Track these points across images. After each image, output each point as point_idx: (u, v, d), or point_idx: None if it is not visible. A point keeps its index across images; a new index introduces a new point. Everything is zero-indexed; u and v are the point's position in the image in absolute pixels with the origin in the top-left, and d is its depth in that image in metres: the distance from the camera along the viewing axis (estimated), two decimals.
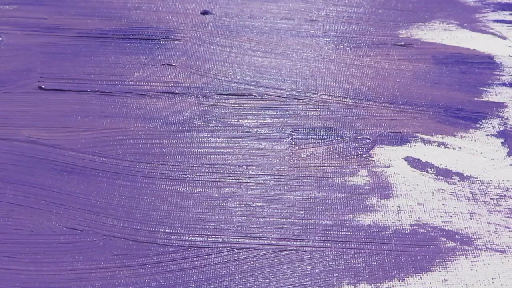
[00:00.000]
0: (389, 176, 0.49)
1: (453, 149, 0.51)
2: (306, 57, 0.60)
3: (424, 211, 0.46)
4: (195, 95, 0.56)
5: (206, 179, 0.48)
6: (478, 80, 0.58)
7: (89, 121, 0.53)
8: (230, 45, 0.62)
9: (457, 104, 0.55)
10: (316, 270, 0.42)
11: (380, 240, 0.44)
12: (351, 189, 0.48)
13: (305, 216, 0.46)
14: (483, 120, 0.54)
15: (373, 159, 0.50)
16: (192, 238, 0.44)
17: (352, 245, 0.44)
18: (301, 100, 0.55)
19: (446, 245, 0.44)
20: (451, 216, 0.46)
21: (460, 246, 0.44)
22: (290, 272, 0.42)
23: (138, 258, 0.43)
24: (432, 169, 0.50)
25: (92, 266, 0.42)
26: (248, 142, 0.51)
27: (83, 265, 0.42)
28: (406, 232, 0.45)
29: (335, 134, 0.52)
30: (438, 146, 0.52)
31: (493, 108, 0.55)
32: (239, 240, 0.44)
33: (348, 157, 0.50)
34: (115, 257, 0.43)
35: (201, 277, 0.42)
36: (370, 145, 0.51)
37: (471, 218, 0.46)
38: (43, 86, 0.56)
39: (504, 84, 0.58)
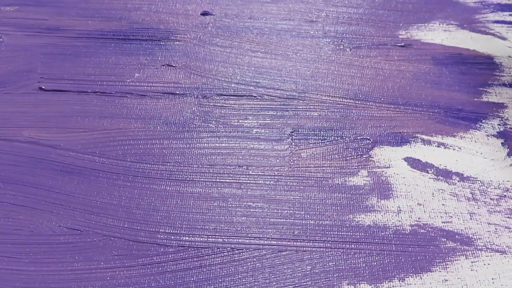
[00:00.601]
0: (389, 176, 0.49)
1: (453, 149, 0.51)
2: (306, 58, 0.60)
3: (424, 212, 0.46)
4: (195, 96, 0.56)
5: (206, 180, 0.48)
6: (478, 80, 0.58)
7: (89, 121, 0.53)
8: (230, 45, 0.62)
9: (457, 104, 0.55)
10: (316, 271, 0.42)
11: (380, 240, 0.44)
12: (351, 190, 0.48)
13: (305, 216, 0.46)
14: (483, 121, 0.54)
15: (373, 159, 0.50)
16: (192, 239, 0.44)
17: (352, 246, 0.44)
18: (301, 101, 0.55)
19: (446, 245, 0.44)
20: (451, 217, 0.46)
21: (460, 247, 0.44)
22: (290, 273, 0.42)
23: (138, 258, 0.43)
24: (432, 170, 0.50)
25: (92, 266, 0.42)
26: (248, 142, 0.52)
27: (83, 265, 0.42)
28: (406, 232, 0.45)
29: (335, 135, 0.52)
30: (438, 146, 0.52)
31: (493, 108, 0.55)
32: (239, 241, 0.44)
33: (348, 158, 0.50)
34: (115, 257, 0.43)
35: (201, 277, 0.42)
36: (370, 146, 0.51)
37: (471, 219, 0.46)
38: (43, 87, 0.56)
39: (504, 85, 0.58)
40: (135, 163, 0.49)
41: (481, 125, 0.54)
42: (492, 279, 0.42)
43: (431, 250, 0.44)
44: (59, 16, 0.65)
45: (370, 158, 0.50)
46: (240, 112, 0.54)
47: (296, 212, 0.46)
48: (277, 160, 0.50)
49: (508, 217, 0.46)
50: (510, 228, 0.45)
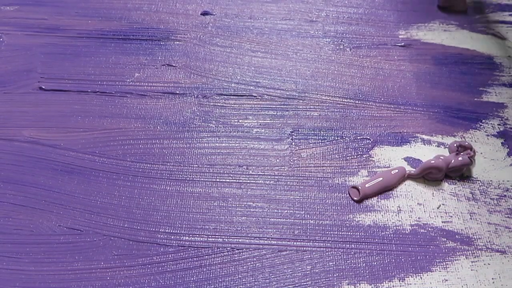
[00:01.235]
0: None
1: None
2: (306, 58, 0.60)
3: (424, 211, 0.46)
4: (195, 96, 0.56)
5: (206, 179, 0.48)
6: (478, 80, 0.58)
7: (89, 121, 0.53)
8: (230, 45, 0.62)
9: (457, 104, 0.55)
10: (316, 270, 0.42)
11: (380, 240, 0.44)
12: None
13: (305, 216, 0.46)
14: (483, 120, 0.54)
15: (373, 159, 0.50)
16: (192, 238, 0.44)
17: (352, 245, 0.44)
18: (301, 101, 0.55)
19: (446, 245, 0.44)
20: (451, 216, 0.46)
21: (460, 246, 0.44)
22: (290, 272, 0.42)
23: (138, 258, 0.43)
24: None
25: (92, 266, 0.42)
26: (248, 142, 0.51)
27: (83, 265, 0.42)
28: (406, 232, 0.45)
29: (335, 135, 0.52)
30: (438, 146, 0.52)
31: (493, 108, 0.55)
32: (239, 240, 0.44)
33: (348, 158, 0.50)
34: (115, 257, 0.43)
35: (201, 277, 0.42)
36: (370, 146, 0.51)
37: (471, 218, 0.46)
38: (43, 87, 0.56)
39: (504, 85, 0.58)
40: (135, 163, 0.49)
41: (481, 125, 0.54)
42: (492, 279, 0.42)
43: (431, 250, 0.44)
44: (59, 16, 0.64)
45: (370, 158, 0.50)
46: (240, 112, 0.54)
47: (296, 212, 0.46)
48: (277, 160, 0.50)
49: (508, 217, 0.46)
50: (510, 228, 0.45)
